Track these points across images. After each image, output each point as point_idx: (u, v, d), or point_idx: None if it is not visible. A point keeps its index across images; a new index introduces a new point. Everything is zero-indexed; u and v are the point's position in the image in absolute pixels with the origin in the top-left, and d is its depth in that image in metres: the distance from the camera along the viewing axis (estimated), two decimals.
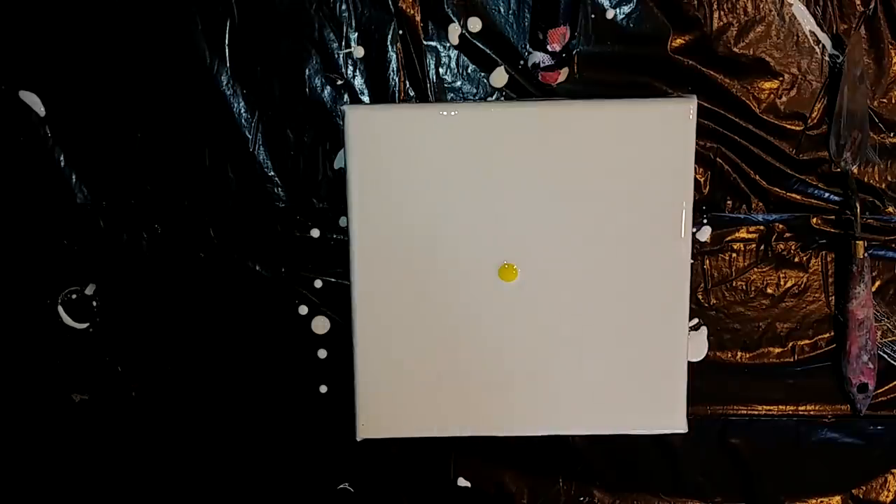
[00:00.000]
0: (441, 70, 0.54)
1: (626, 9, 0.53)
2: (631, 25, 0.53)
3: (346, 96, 0.53)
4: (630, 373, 0.53)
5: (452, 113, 0.51)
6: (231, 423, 0.56)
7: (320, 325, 0.55)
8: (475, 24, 0.53)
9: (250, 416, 0.56)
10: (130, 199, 0.54)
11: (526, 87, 0.53)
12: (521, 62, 0.53)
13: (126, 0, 0.52)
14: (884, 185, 0.55)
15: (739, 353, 0.56)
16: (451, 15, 0.53)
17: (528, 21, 0.53)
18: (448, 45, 0.53)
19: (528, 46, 0.53)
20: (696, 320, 0.56)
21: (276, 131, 0.53)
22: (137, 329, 0.55)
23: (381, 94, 0.53)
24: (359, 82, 0.53)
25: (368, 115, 0.51)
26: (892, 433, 0.57)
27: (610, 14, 0.53)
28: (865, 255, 0.54)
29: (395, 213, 0.52)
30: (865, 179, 0.55)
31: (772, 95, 0.54)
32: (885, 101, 0.54)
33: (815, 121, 0.54)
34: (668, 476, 0.58)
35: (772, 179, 0.55)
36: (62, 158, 0.54)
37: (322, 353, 0.56)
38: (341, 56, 0.53)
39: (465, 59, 0.53)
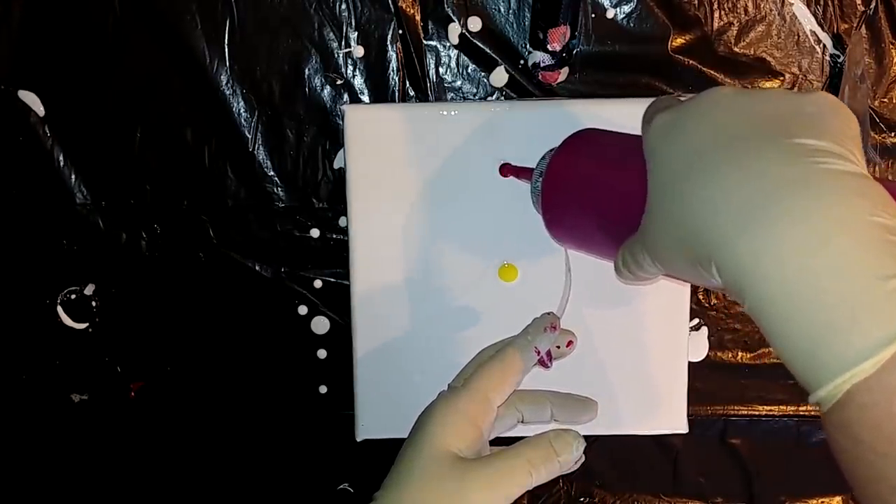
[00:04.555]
0: (441, 70, 0.53)
1: (627, 8, 0.52)
2: (631, 25, 0.53)
3: (345, 96, 0.53)
4: (630, 373, 0.53)
5: (452, 113, 0.51)
6: (231, 423, 0.56)
7: (320, 325, 0.55)
8: (475, 24, 0.53)
9: (250, 416, 0.56)
10: (130, 199, 0.54)
11: (526, 86, 0.53)
12: (522, 62, 0.53)
13: (125, 0, 0.52)
14: None
15: (740, 354, 0.56)
16: (451, 14, 0.53)
17: (528, 21, 0.53)
18: (448, 44, 0.53)
19: (528, 46, 0.53)
20: (696, 320, 0.56)
21: (276, 131, 0.53)
22: (137, 329, 0.55)
23: (381, 93, 0.53)
24: (359, 82, 0.53)
25: (368, 115, 0.51)
26: None
27: (610, 14, 0.53)
28: None
29: (395, 213, 0.51)
30: None
31: None
32: (885, 100, 0.54)
33: None
34: (668, 476, 0.58)
35: None
36: (61, 158, 0.53)
37: (322, 354, 0.56)
38: (341, 56, 0.53)
39: (465, 58, 0.53)
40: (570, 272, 0.47)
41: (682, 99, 0.34)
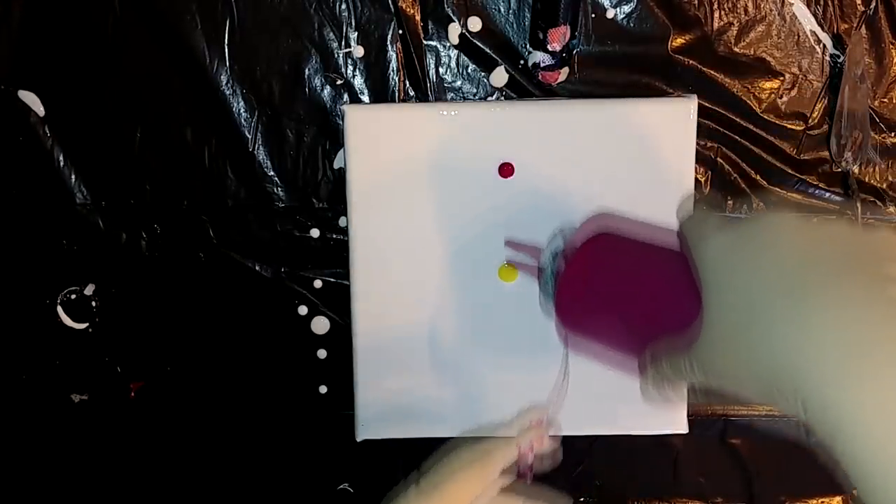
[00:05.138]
0: (441, 70, 0.53)
1: (627, 8, 0.52)
2: (631, 25, 0.53)
3: (345, 96, 0.53)
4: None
5: (452, 113, 0.51)
6: (231, 424, 0.56)
7: (320, 325, 0.55)
8: (475, 24, 0.53)
9: (250, 416, 0.56)
10: (130, 199, 0.54)
11: (526, 86, 0.53)
12: (521, 62, 0.53)
13: (125, 0, 0.52)
14: (885, 185, 0.55)
15: None
16: (451, 14, 0.53)
17: (528, 21, 0.53)
18: (448, 44, 0.53)
19: (528, 46, 0.53)
20: None
21: (276, 131, 0.53)
22: (137, 329, 0.55)
23: (381, 93, 0.53)
24: (359, 82, 0.53)
25: (368, 115, 0.51)
26: None
27: (610, 14, 0.53)
28: None
29: (395, 213, 0.51)
30: (866, 179, 0.55)
31: (772, 95, 0.54)
32: (885, 100, 0.54)
33: (816, 120, 0.54)
34: (668, 476, 0.58)
35: (772, 179, 0.55)
36: (61, 158, 0.54)
37: (322, 354, 0.56)
38: (341, 56, 0.53)
39: (465, 58, 0.53)
40: (567, 377, 0.46)
41: (712, 208, 0.33)
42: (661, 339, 0.34)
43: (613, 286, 0.37)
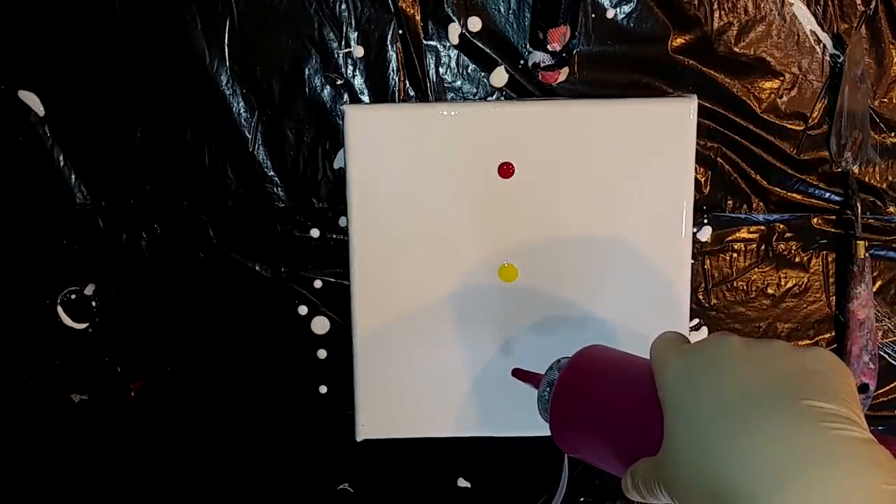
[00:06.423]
0: (441, 70, 0.53)
1: (627, 8, 0.52)
2: (631, 25, 0.53)
3: (345, 96, 0.53)
4: None
5: (452, 113, 0.51)
6: (231, 424, 0.56)
7: (320, 325, 0.55)
8: (475, 24, 0.53)
9: (250, 416, 0.56)
10: (130, 199, 0.54)
11: (526, 86, 0.53)
12: (522, 62, 0.53)
13: (125, 0, 0.52)
14: (885, 185, 0.55)
15: None
16: (451, 14, 0.53)
17: (528, 21, 0.53)
18: (448, 44, 0.53)
19: (528, 46, 0.53)
20: (696, 320, 0.56)
21: (276, 131, 0.53)
22: (137, 329, 0.55)
23: (381, 93, 0.53)
24: (359, 82, 0.53)
25: (368, 115, 0.51)
26: (893, 433, 0.57)
27: (610, 14, 0.53)
28: (866, 255, 0.54)
29: (395, 213, 0.51)
30: (866, 179, 0.55)
31: (772, 95, 0.54)
32: (885, 100, 0.54)
33: (816, 120, 0.54)
34: None
35: (772, 179, 0.55)
36: (61, 158, 0.54)
37: (322, 354, 0.56)
38: (341, 56, 0.53)
39: (465, 58, 0.53)
40: (566, 476, 0.50)
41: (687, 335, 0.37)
42: (639, 459, 0.36)
43: (597, 404, 0.40)
